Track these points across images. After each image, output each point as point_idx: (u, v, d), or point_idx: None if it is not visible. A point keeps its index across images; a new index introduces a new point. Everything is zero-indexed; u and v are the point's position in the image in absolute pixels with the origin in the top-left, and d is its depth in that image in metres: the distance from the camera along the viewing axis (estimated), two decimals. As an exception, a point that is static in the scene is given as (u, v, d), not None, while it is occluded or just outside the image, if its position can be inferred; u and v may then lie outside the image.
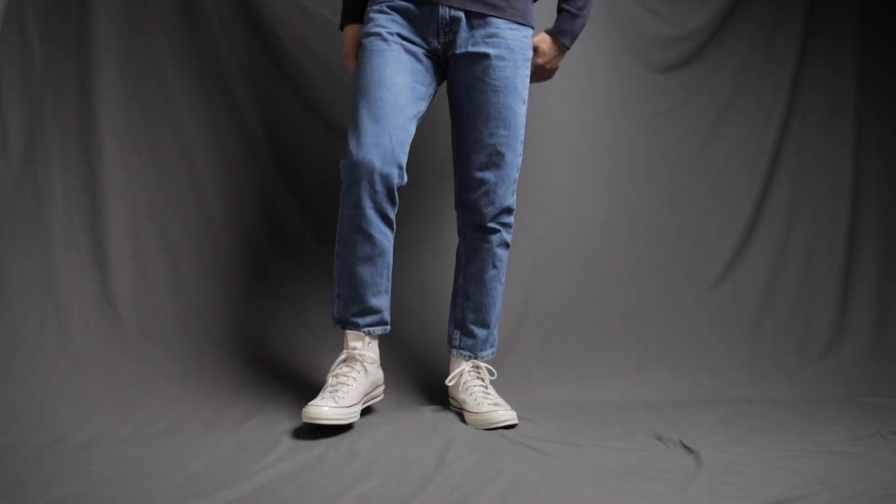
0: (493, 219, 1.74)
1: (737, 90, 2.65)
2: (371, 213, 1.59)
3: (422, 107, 1.67)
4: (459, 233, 1.82)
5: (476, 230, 1.76)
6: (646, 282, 2.45)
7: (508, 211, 1.75)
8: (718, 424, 1.73)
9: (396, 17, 1.66)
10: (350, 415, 1.54)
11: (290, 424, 1.64)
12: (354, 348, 1.64)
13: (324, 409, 1.50)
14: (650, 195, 2.52)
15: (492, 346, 1.83)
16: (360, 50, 1.68)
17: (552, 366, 2.17)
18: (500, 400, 1.73)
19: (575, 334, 2.28)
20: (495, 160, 1.70)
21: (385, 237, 1.63)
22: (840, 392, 2.19)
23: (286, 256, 2.07)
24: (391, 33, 1.64)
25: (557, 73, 2.46)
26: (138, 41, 1.93)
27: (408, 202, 2.19)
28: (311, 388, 1.77)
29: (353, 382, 1.59)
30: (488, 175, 1.71)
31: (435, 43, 1.67)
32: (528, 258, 2.32)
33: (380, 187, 1.57)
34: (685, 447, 1.50)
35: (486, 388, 1.76)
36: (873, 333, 2.61)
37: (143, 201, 1.93)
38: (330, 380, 1.60)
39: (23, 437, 1.47)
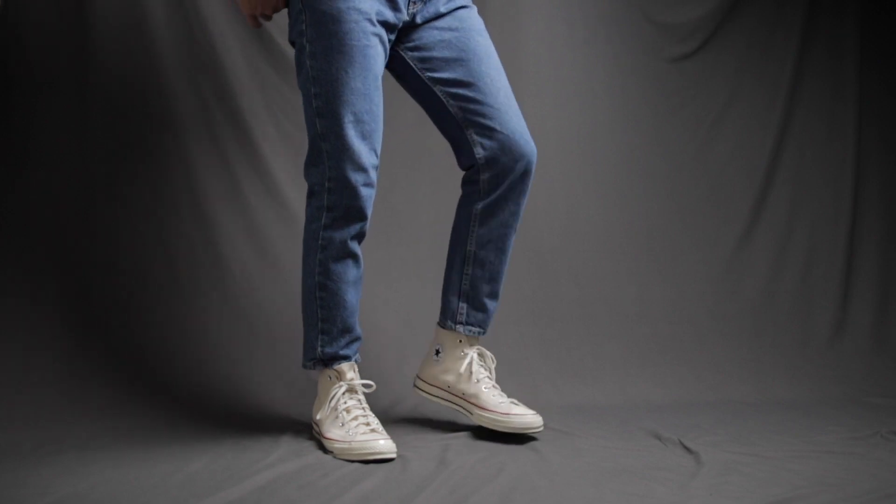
0: (528, 171, 1.57)
1: (736, 90, 2.65)
2: (362, 237, 1.53)
3: None
4: (475, 195, 1.61)
5: (509, 189, 1.57)
6: (646, 280, 2.45)
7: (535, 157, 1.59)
8: (718, 424, 1.73)
9: None
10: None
11: (291, 424, 1.65)
12: (352, 379, 1.53)
13: (389, 443, 1.40)
14: (650, 195, 2.52)
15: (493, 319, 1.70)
16: (321, 25, 1.45)
17: (553, 363, 2.17)
18: (513, 399, 1.61)
19: (576, 332, 2.29)
20: (512, 103, 1.57)
21: (362, 258, 1.56)
22: (840, 391, 2.19)
23: (284, 257, 2.07)
24: (368, 19, 1.45)
25: (557, 76, 2.47)
26: (134, 42, 1.93)
27: (409, 198, 2.19)
28: (311, 387, 1.77)
29: (371, 412, 1.51)
30: (509, 120, 1.55)
31: (405, 14, 1.53)
32: (528, 257, 2.32)
33: (371, 211, 1.51)
34: (685, 447, 1.50)
35: (492, 379, 1.64)
36: (874, 332, 2.60)
37: (139, 202, 1.93)
38: (345, 415, 1.48)
39: (22, 437, 1.47)
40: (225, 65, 2.01)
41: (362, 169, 1.47)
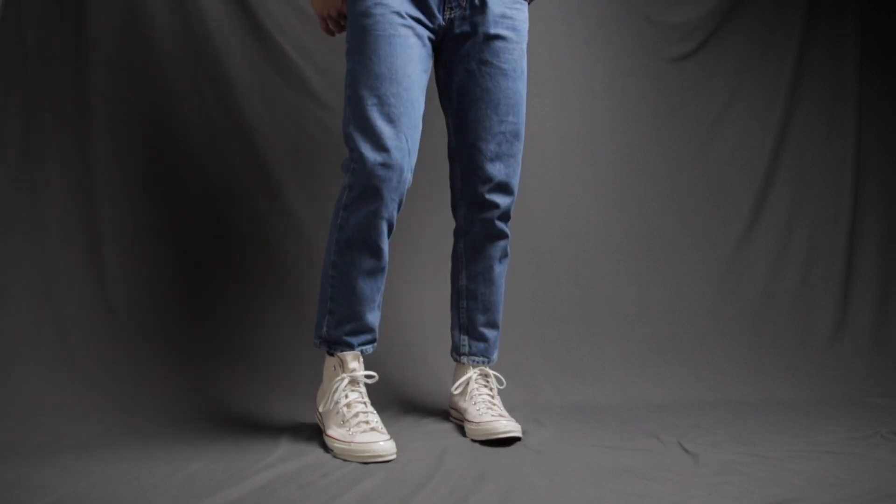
0: (507, 212, 1.65)
1: (736, 90, 2.65)
2: (383, 225, 1.48)
3: (421, 100, 1.57)
4: (459, 231, 1.70)
5: (486, 226, 1.65)
6: (646, 280, 2.45)
7: (515, 202, 1.66)
8: (718, 424, 1.74)
9: None
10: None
11: (291, 424, 1.65)
12: (354, 370, 1.52)
13: (388, 444, 1.40)
14: (650, 195, 2.52)
15: (497, 348, 1.74)
16: (354, 23, 1.51)
17: (553, 363, 2.17)
18: (504, 411, 1.62)
19: (576, 332, 2.29)
20: (506, 149, 1.61)
21: (387, 248, 1.53)
22: (840, 391, 2.19)
23: (285, 257, 2.07)
24: (396, 13, 1.48)
25: (557, 76, 2.47)
26: (135, 42, 1.93)
27: (409, 199, 2.18)
28: (311, 388, 1.77)
29: (371, 408, 1.50)
30: (500, 166, 1.61)
31: (440, 19, 1.55)
32: (528, 257, 2.32)
33: (396, 195, 1.47)
34: (684, 449, 1.50)
35: (493, 397, 1.66)
36: (874, 332, 2.61)
37: (140, 202, 1.93)
38: (346, 411, 1.48)
39: (22, 437, 1.47)
40: (226, 64, 2.01)
41: (383, 149, 1.45)
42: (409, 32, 1.50)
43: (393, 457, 1.40)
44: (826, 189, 2.72)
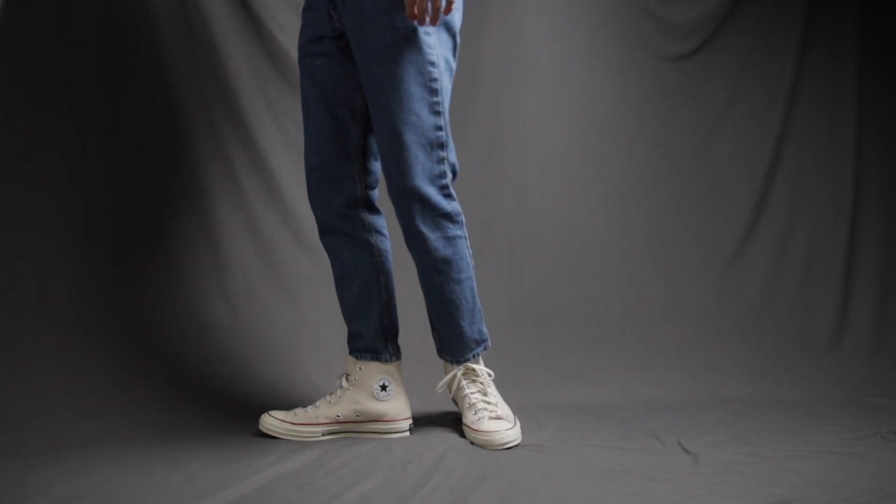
0: (411, 213, 1.50)
1: (736, 90, 2.65)
2: (326, 235, 1.61)
3: (357, 102, 1.55)
4: None
5: (404, 228, 1.54)
6: (646, 281, 2.45)
7: (430, 199, 1.49)
8: (718, 424, 1.73)
9: (307, 18, 1.57)
10: (293, 432, 1.53)
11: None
12: (348, 371, 1.62)
13: (266, 418, 1.54)
14: (651, 195, 2.52)
15: (479, 345, 1.63)
16: None
17: (553, 363, 2.17)
18: (502, 410, 1.58)
19: (576, 332, 2.29)
20: (389, 144, 1.47)
21: (353, 255, 1.58)
22: (840, 391, 2.19)
23: (286, 259, 2.07)
24: (301, 45, 1.58)
25: (558, 75, 2.46)
26: (135, 42, 1.93)
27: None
28: (310, 388, 1.77)
29: (320, 404, 1.57)
30: (386, 160, 1.49)
31: (336, 27, 1.52)
32: (528, 257, 2.32)
33: (316, 205, 1.59)
34: (684, 449, 1.50)
35: (485, 395, 1.60)
36: (874, 332, 2.61)
37: (139, 202, 1.93)
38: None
39: (22, 436, 1.47)
40: (227, 64, 2.01)
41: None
42: (312, 59, 1.56)
43: (264, 430, 1.53)
44: (826, 189, 2.72)
